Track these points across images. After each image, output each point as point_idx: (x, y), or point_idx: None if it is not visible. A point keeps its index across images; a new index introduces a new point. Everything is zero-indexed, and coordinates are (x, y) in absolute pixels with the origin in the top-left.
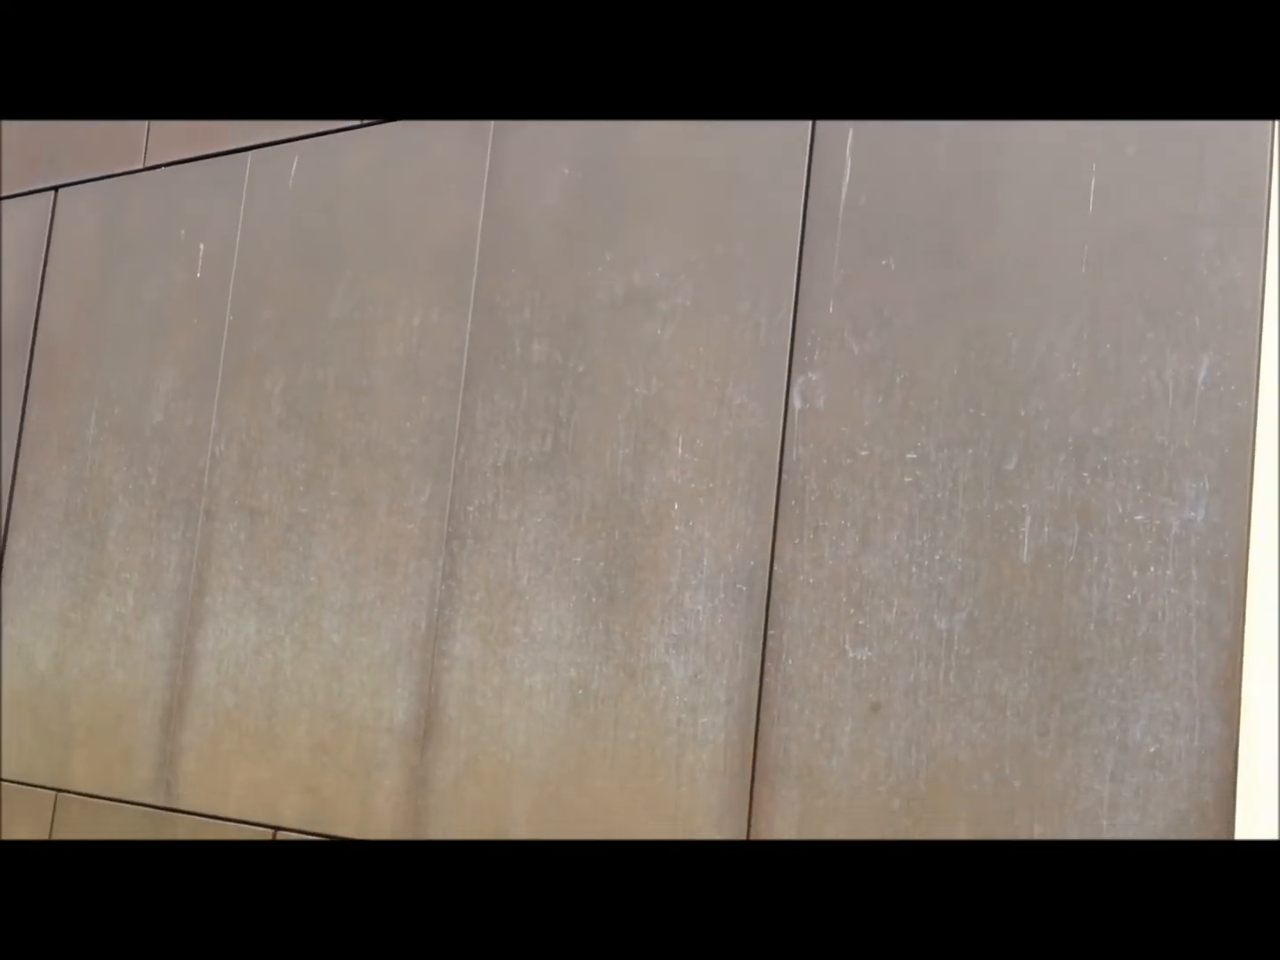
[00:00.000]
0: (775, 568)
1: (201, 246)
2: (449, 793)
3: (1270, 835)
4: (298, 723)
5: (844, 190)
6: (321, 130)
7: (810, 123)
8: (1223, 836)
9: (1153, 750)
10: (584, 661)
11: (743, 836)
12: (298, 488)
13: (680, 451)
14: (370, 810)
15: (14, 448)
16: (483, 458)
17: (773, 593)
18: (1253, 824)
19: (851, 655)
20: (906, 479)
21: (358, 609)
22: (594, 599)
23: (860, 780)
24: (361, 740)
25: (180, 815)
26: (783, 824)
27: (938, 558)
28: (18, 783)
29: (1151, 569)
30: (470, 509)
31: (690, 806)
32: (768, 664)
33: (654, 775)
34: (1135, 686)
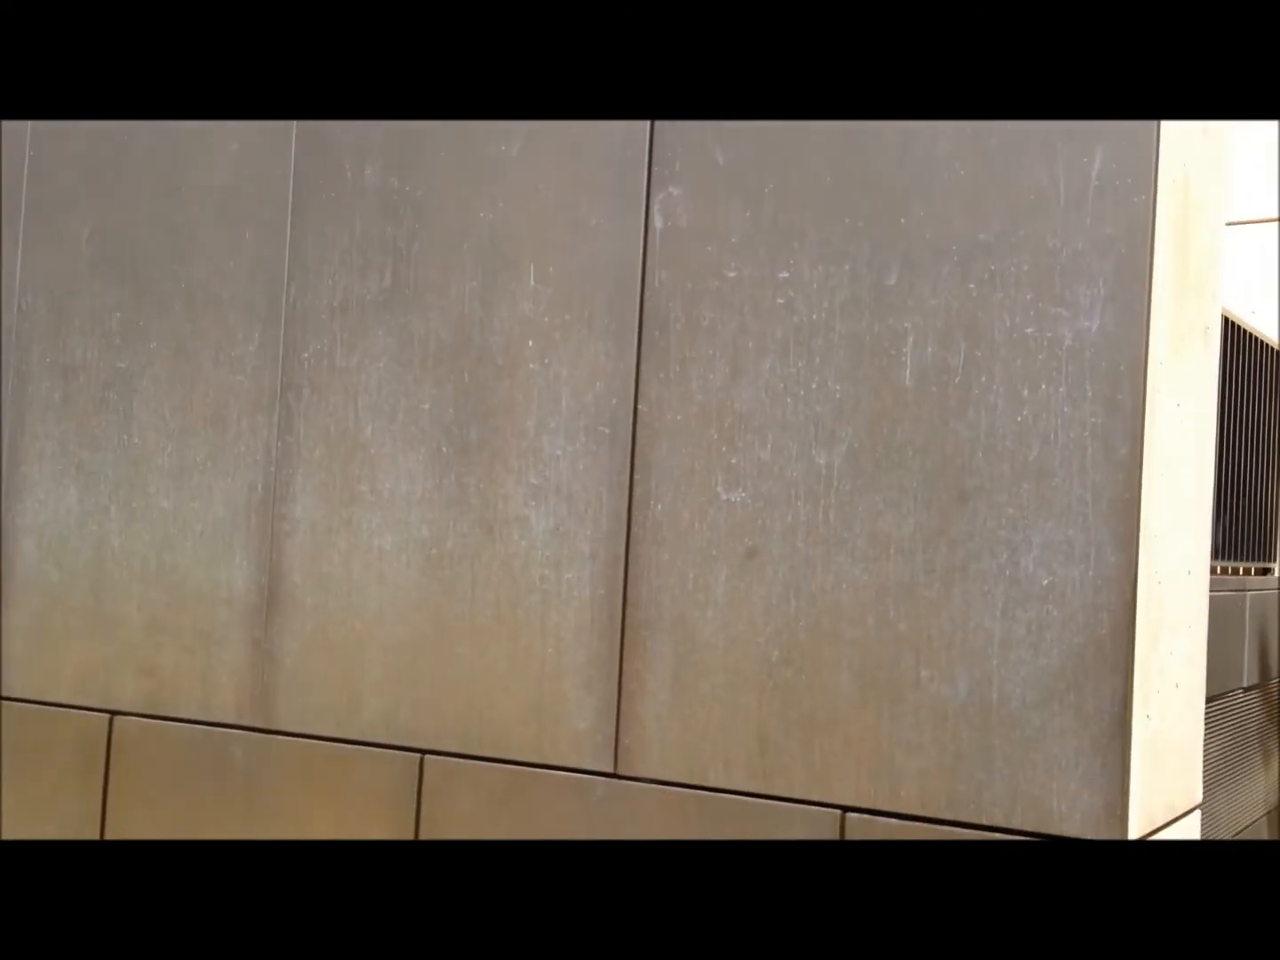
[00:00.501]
0: (640, 406)
1: None
2: (296, 667)
3: (1170, 672)
4: (129, 598)
5: None
6: None
7: None
8: (1120, 673)
9: (1046, 583)
10: (437, 518)
11: (613, 697)
12: (114, 341)
13: (532, 283)
14: (213, 689)
15: None
16: (315, 298)
17: (638, 434)
18: (1152, 657)
19: (724, 498)
20: (779, 301)
21: (187, 472)
22: (445, 449)
23: (736, 631)
24: (199, 614)
25: (8, 703)
26: (655, 682)
27: (814, 386)
28: None
29: (1043, 387)
30: (305, 356)
31: (557, 668)
32: (635, 512)
33: (517, 637)
34: (1026, 516)
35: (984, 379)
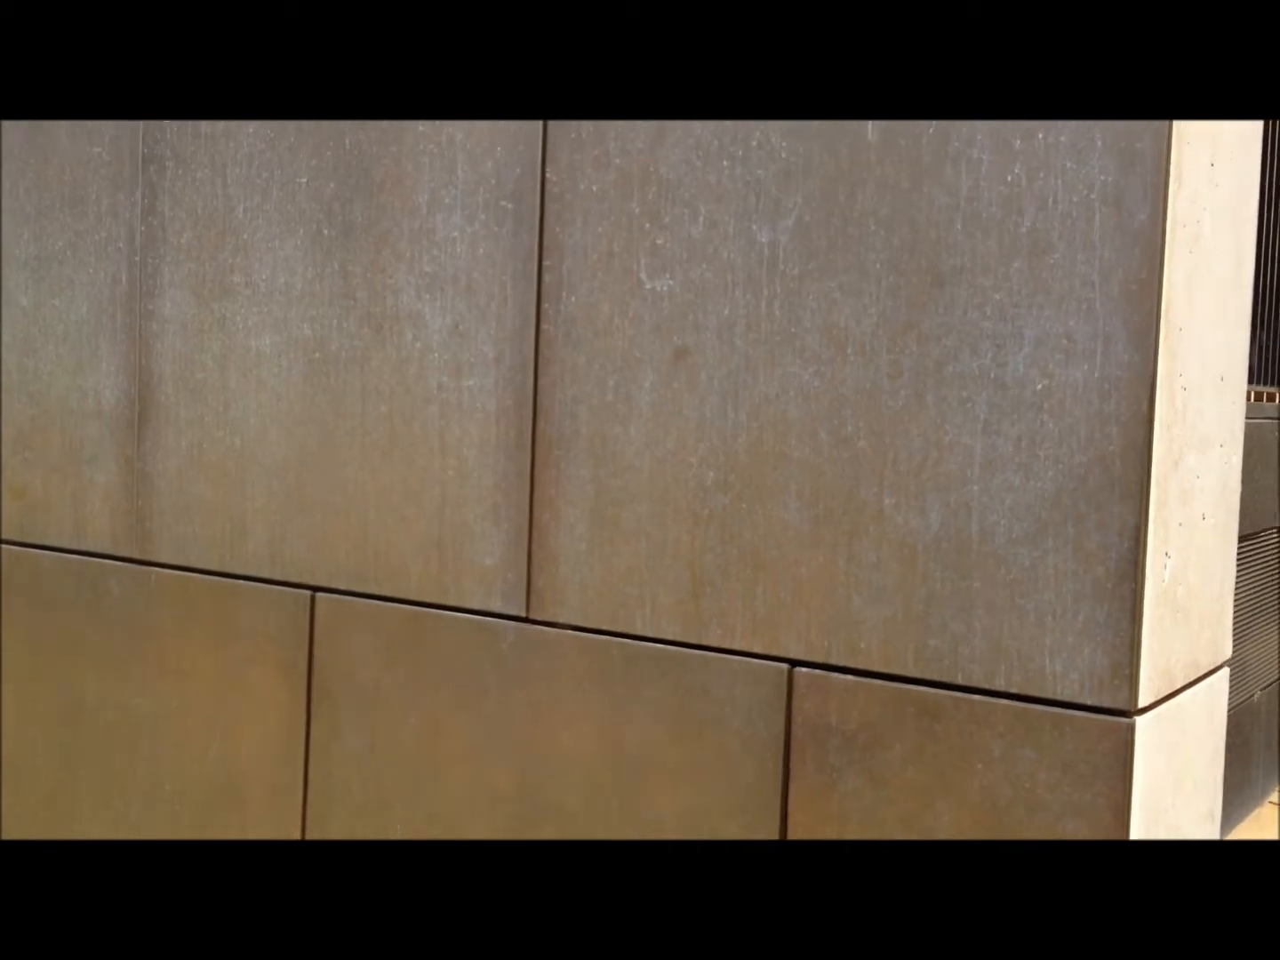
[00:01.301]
0: (547, 174)
1: None
2: (173, 490)
3: (1196, 500)
4: None
5: None
6: None
7: None
8: (1131, 499)
9: (1040, 388)
10: (319, 315)
11: (524, 529)
12: None
13: None
14: (86, 515)
15: None
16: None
17: (546, 209)
18: (1172, 481)
19: (649, 287)
20: None
21: (46, 263)
22: (326, 231)
23: (665, 450)
24: (67, 429)
25: None
26: (571, 511)
27: (754, 145)
28: None
29: (1040, 136)
30: (168, 122)
31: (459, 494)
32: (545, 306)
33: (413, 457)
34: (1017, 303)
35: (965, 128)
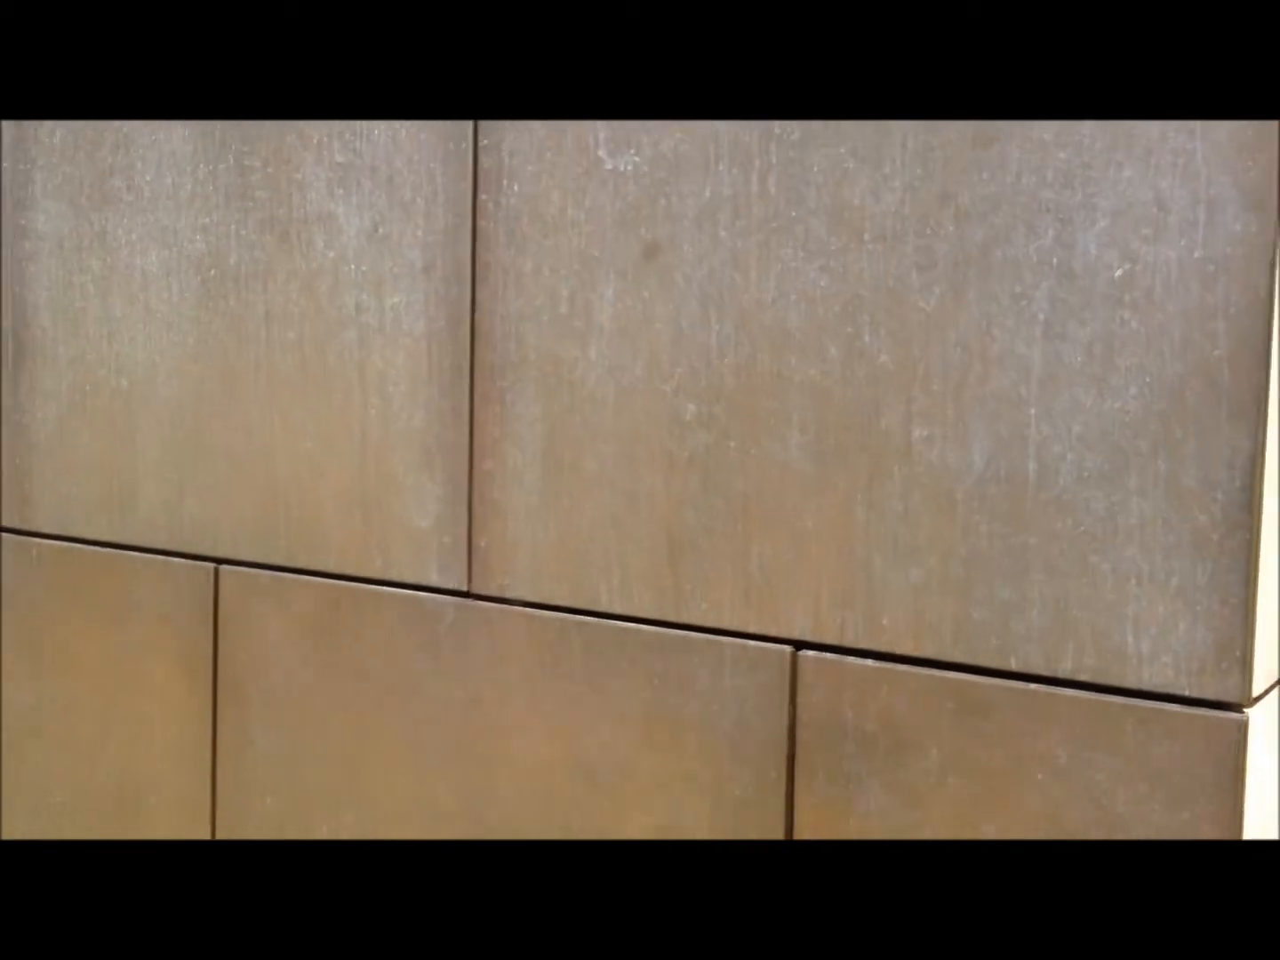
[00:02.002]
0: None
1: None
2: (54, 444)
3: None
4: None
5: None
6: None
7: None
8: (1245, 420)
9: (1119, 274)
10: (213, 224)
11: (463, 481)
12: None
13: None
14: None
15: None
16: None
17: None
18: None
19: (610, 166)
20: None
21: None
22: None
23: (634, 375)
24: None
25: None
26: (519, 457)
27: None
28: None
29: None
30: None
31: (384, 438)
32: (482, 198)
33: (328, 393)
34: (1088, 162)
35: None
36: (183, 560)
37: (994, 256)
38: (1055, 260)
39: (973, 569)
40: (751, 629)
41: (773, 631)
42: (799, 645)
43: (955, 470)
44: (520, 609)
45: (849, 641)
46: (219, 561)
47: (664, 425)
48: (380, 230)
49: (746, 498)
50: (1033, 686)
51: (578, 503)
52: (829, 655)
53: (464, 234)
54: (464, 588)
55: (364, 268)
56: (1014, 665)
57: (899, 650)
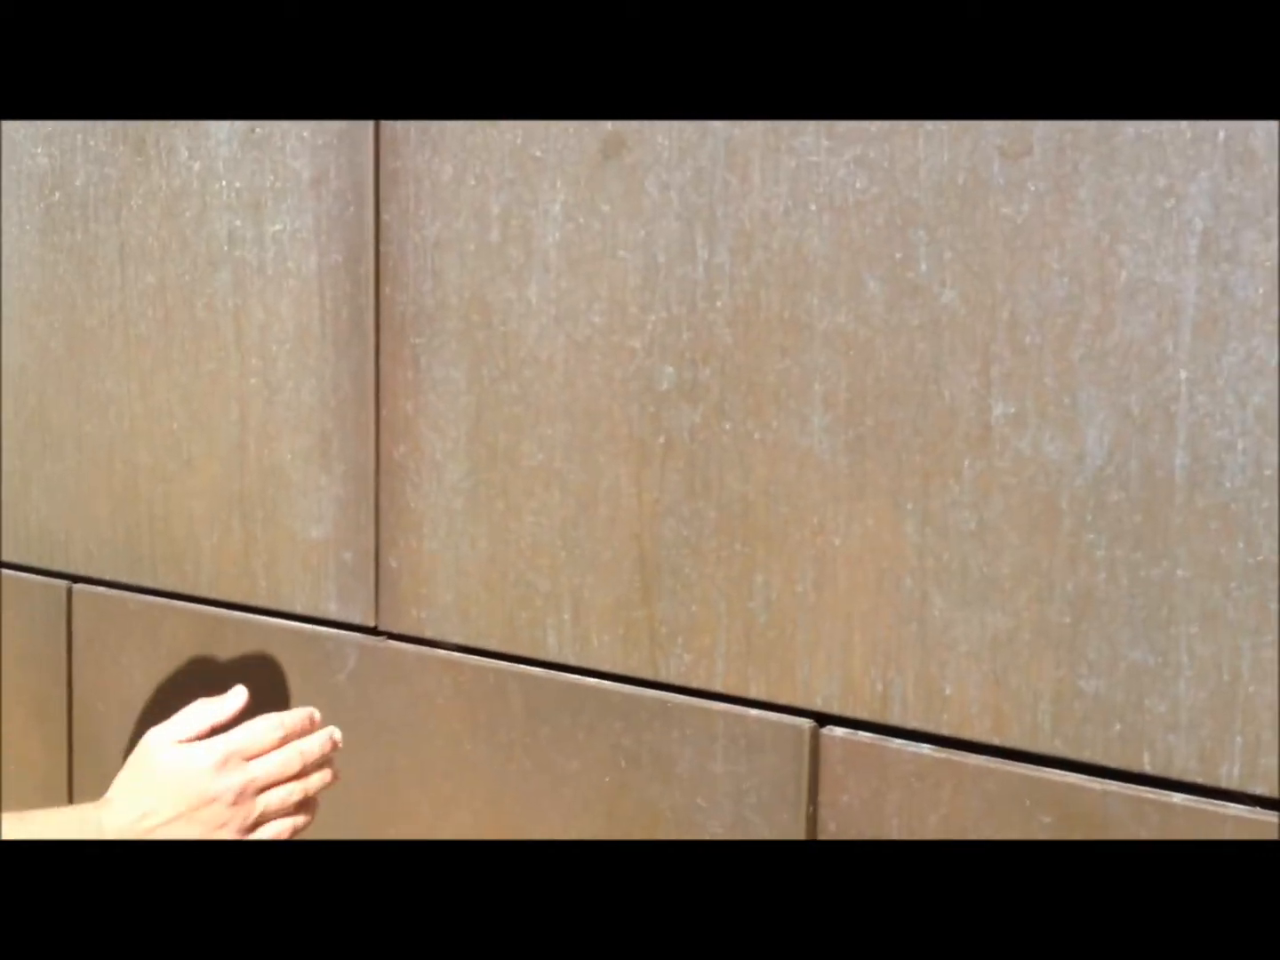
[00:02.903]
0: None
1: None
2: None
3: None
4: None
5: None
6: None
7: None
8: None
9: None
10: (58, 133)
11: (368, 461)
12: None
13: None
14: None
15: None
16: None
17: None
18: None
19: None
20: None
21: None
22: None
23: (590, 325)
24: None
25: None
26: (439, 442)
27: None
28: None
29: None
30: None
31: (267, 418)
32: None
33: (197, 357)
34: None
35: None
36: (29, 576)
37: (1122, 134)
38: (1222, 136)
39: (1085, 615)
40: (754, 693)
41: (785, 698)
42: (822, 719)
43: (1058, 465)
44: (442, 653)
45: (894, 717)
46: (72, 579)
47: (633, 397)
48: (257, 130)
49: (748, 504)
50: (1177, 798)
51: (516, 507)
52: (864, 735)
53: (364, 132)
54: (370, 622)
55: (237, 184)
56: (1147, 765)
57: (968, 734)
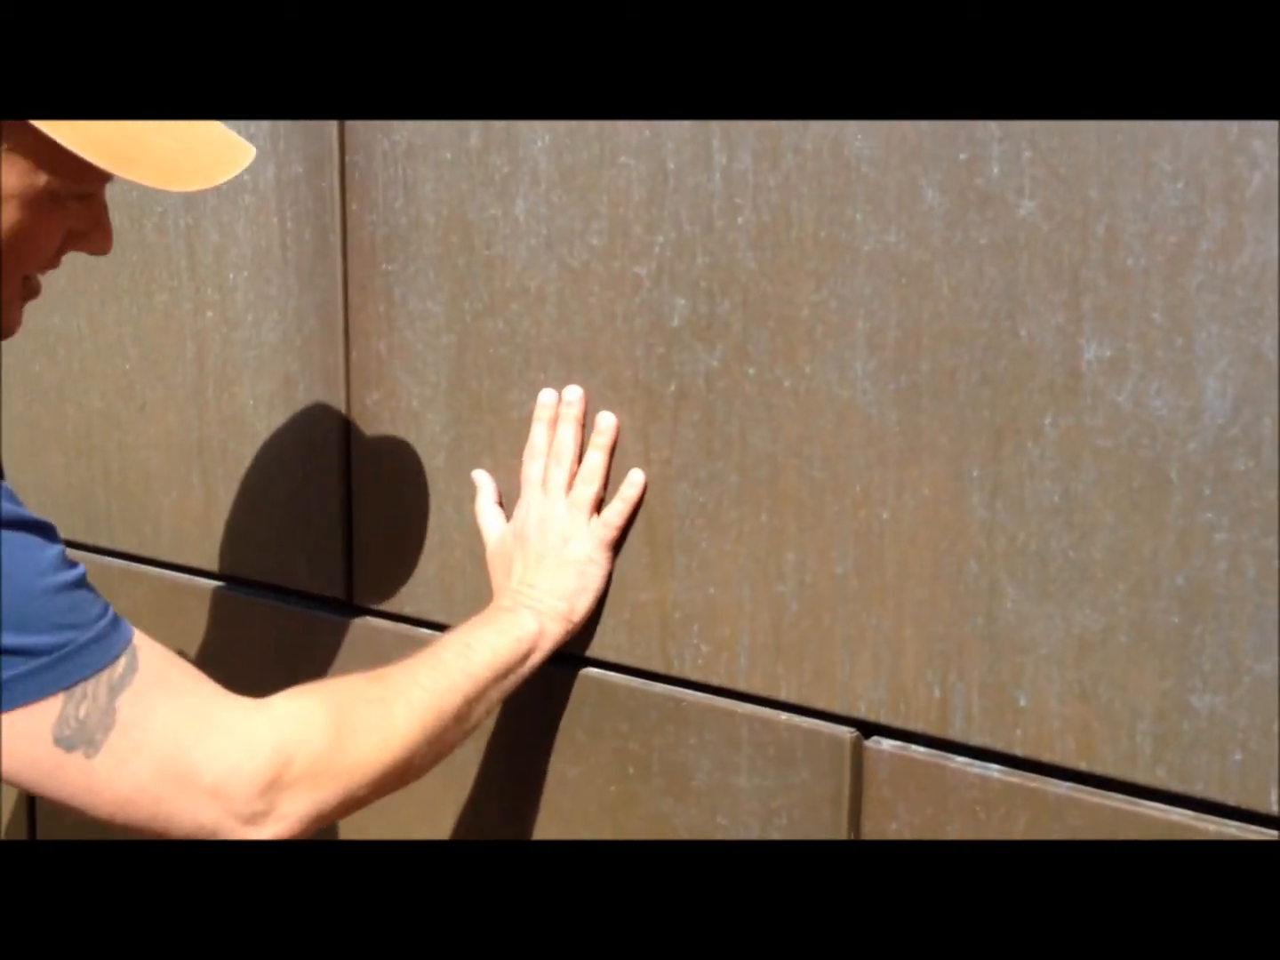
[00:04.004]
0: None
1: None
2: None
3: None
4: None
5: None
6: None
7: None
8: None
9: None
10: None
11: (339, 404)
12: None
13: None
14: None
15: None
16: None
17: None
18: None
19: None
20: None
21: None
22: None
23: (587, 248)
24: None
25: None
26: (416, 387)
27: None
28: None
29: None
30: None
31: (225, 356)
32: None
33: (149, 287)
34: None
35: None
36: None
37: None
38: None
39: (1198, 615)
40: (785, 695)
41: (821, 702)
42: (866, 729)
43: (1167, 424)
44: (424, 632)
45: (955, 731)
46: None
47: (638, 336)
48: None
49: (776, 466)
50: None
51: (503, 465)
52: (918, 751)
53: None
54: (342, 595)
55: None
56: (1274, 804)
57: (1048, 756)
